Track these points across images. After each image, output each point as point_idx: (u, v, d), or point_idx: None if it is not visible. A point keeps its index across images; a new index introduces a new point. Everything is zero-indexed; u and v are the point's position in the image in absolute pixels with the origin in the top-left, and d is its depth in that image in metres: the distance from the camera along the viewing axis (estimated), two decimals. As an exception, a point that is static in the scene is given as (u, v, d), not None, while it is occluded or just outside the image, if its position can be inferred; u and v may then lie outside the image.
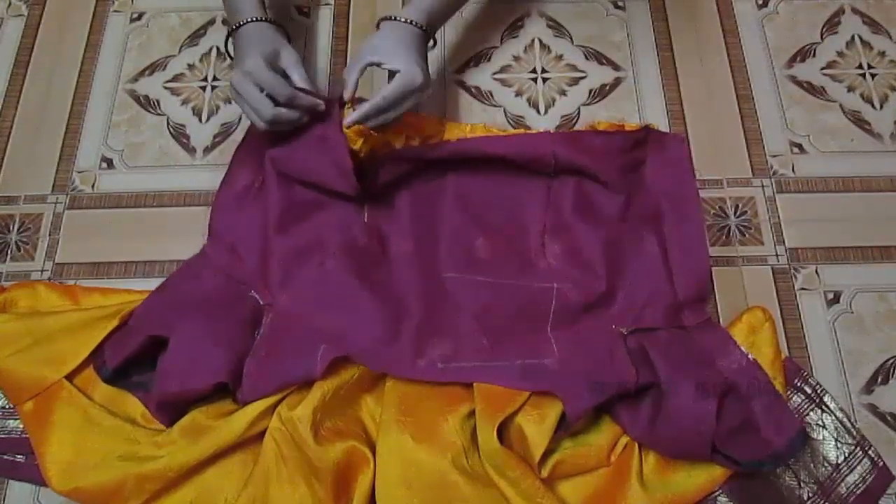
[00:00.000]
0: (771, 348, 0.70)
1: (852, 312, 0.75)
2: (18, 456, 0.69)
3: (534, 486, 0.62)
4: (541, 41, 0.91)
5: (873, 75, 0.88)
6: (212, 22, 0.93)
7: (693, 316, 0.72)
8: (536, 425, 0.64)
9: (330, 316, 0.70)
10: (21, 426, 0.69)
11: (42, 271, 0.78)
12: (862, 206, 0.80)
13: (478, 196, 0.79)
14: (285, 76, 0.72)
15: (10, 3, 0.95)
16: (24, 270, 0.78)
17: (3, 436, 0.69)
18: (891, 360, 0.73)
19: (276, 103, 0.69)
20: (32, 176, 0.83)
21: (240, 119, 0.86)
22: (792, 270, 0.77)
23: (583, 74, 0.89)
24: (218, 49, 0.91)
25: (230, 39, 0.76)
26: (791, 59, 0.89)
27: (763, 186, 0.82)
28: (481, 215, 0.78)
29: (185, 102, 0.88)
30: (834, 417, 0.69)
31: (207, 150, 0.85)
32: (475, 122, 0.85)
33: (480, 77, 0.89)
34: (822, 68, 0.89)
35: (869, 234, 0.79)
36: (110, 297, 0.75)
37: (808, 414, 0.70)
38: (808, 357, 0.73)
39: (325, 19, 0.93)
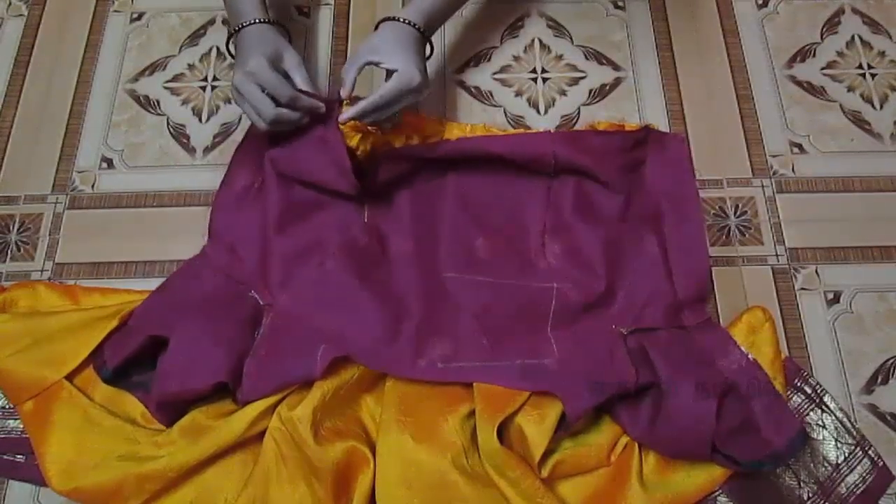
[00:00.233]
0: (771, 348, 0.70)
1: (852, 312, 0.75)
2: (18, 456, 0.69)
3: (534, 486, 0.62)
4: (541, 41, 0.91)
5: (873, 75, 0.88)
6: (212, 22, 0.93)
7: (693, 316, 0.72)
8: (536, 425, 0.64)
9: (330, 316, 0.70)
10: (21, 426, 0.69)
11: (42, 271, 0.78)
12: (862, 206, 0.80)
13: (478, 196, 0.79)
14: (287, 78, 0.72)
15: (10, 3, 0.95)
16: (24, 270, 0.78)
17: (3, 436, 0.69)
18: (891, 360, 0.73)
19: (278, 104, 0.69)
20: (32, 176, 0.83)
21: (240, 119, 0.86)
22: (792, 270, 0.77)
23: (583, 74, 0.89)
24: (218, 49, 0.91)
25: (232, 41, 0.76)
26: (791, 59, 0.90)
27: (763, 186, 0.82)
28: (481, 215, 0.78)
29: (185, 102, 0.88)
30: (834, 417, 0.69)
31: (207, 150, 0.85)
32: (475, 122, 0.85)
33: (480, 77, 0.89)
34: (822, 68, 0.89)
35: (869, 234, 0.79)
36: (110, 297, 0.75)
37: (808, 414, 0.70)
38: (808, 357, 0.73)
39: (325, 19, 0.93)
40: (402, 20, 0.72)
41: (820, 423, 0.69)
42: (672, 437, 0.64)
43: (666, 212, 0.77)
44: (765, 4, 0.94)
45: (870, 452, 0.68)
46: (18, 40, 0.92)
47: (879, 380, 0.72)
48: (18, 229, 0.81)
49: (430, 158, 0.78)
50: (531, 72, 0.89)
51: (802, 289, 0.76)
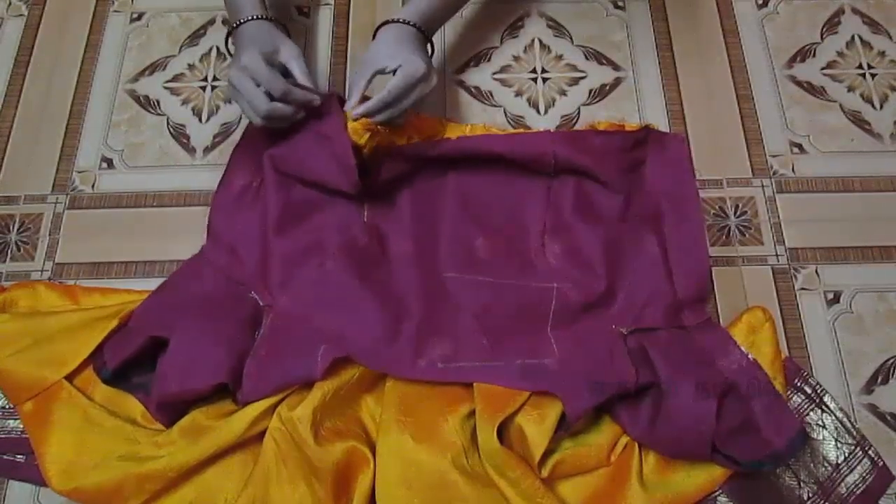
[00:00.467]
0: (771, 348, 0.70)
1: (852, 312, 0.75)
2: (18, 456, 0.69)
3: (534, 486, 0.62)
4: (541, 41, 0.91)
5: (873, 75, 0.88)
6: (212, 22, 0.93)
7: (693, 316, 0.72)
8: (536, 425, 0.64)
9: (330, 316, 0.70)
10: (21, 426, 0.69)
11: (42, 271, 0.78)
12: (862, 206, 0.80)
13: (478, 196, 0.79)
14: (285, 72, 0.72)
15: (10, 3, 0.95)
16: (24, 270, 0.78)
17: (3, 436, 0.69)
18: (891, 360, 0.73)
19: (272, 98, 0.69)
20: (32, 176, 0.83)
21: (239, 119, 0.86)
22: (792, 270, 0.77)
23: (583, 74, 0.89)
24: (218, 49, 0.91)
25: (230, 38, 0.76)
26: (791, 59, 0.90)
27: (763, 186, 0.82)
28: (481, 215, 0.78)
29: (185, 102, 0.88)
30: (834, 417, 0.69)
31: (207, 150, 0.85)
32: (475, 122, 0.85)
33: (480, 77, 0.89)
34: (822, 68, 0.89)
35: (869, 234, 0.79)
36: (110, 297, 0.75)
37: (808, 414, 0.70)
38: (808, 357, 0.73)
39: (325, 19, 0.93)
40: (399, 21, 0.73)
41: (820, 423, 0.69)
42: (672, 437, 0.64)
43: (666, 212, 0.77)
44: (765, 4, 0.93)
45: (870, 452, 0.68)
46: (18, 40, 0.92)
47: (879, 380, 0.72)
48: (18, 229, 0.81)
49: (430, 157, 0.78)
50: (531, 72, 0.89)
51: (802, 289, 0.76)
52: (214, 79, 0.89)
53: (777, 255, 0.78)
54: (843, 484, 0.67)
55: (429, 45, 0.76)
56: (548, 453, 0.65)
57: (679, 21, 0.92)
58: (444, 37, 0.91)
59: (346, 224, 0.76)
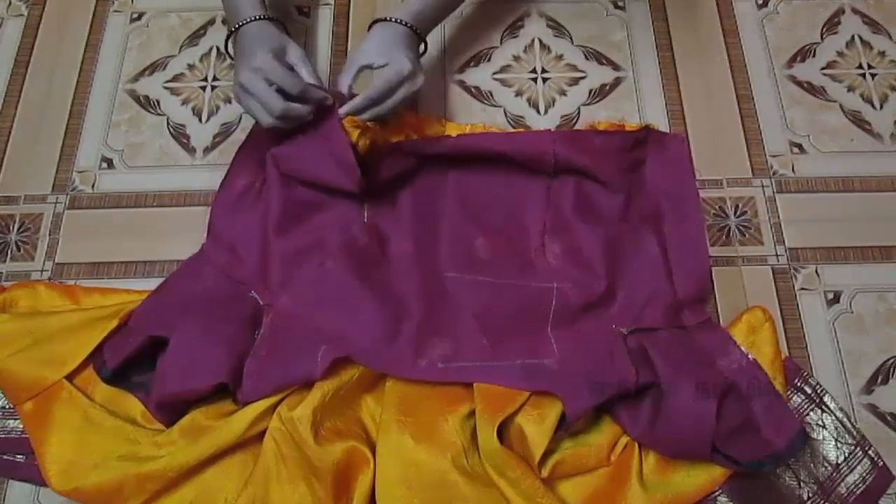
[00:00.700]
0: (771, 348, 0.70)
1: (852, 312, 0.75)
2: (18, 456, 0.69)
3: (534, 486, 0.62)
4: (541, 41, 0.91)
5: (873, 75, 0.88)
6: (212, 22, 0.93)
7: (693, 316, 0.72)
8: (536, 425, 0.64)
9: (330, 316, 0.70)
10: (21, 426, 0.69)
11: (42, 271, 0.78)
12: (862, 206, 0.80)
13: (478, 196, 0.79)
14: (292, 72, 0.72)
15: (10, 3, 0.95)
16: (24, 270, 0.78)
17: (3, 436, 0.69)
18: (891, 360, 0.73)
19: (286, 98, 0.69)
20: (32, 176, 0.83)
21: (240, 119, 0.86)
22: (792, 270, 0.77)
23: (583, 74, 0.89)
24: (218, 49, 0.91)
25: (230, 40, 0.76)
26: (791, 59, 0.90)
27: (763, 186, 0.82)
28: (481, 215, 0.78)
29: (185, 102, 0.88)
30: (834, 417, 0.69)
31: (207, 150, 0.85)
32: (475, 122, 0.85)
33: (480, 77, 0.89)
34: (822, 68, 0.89)
35: (869, 234, 0.79)
36: (110, 297, 0.75)
37: (808, 414, 0.70)
38: (808, 357, 0.73)
39: (325, 19, 0.93)
40: (392, 20, 0.73)
41: (820, 423, 0.69)
42: (672, 437, 0.64)
43: (666, 212, 0.77)
44: (765, 4, 0.94)
45: (870, 452, 0.68)
46: (18, 40, 0.92)
47: (879, 380, 0.72)
48: (18, 229, 0.81)
49: (430, 156, 0.78)
50: (531, 72, 0.89)
51: (802, 289, 0.76)
52: (214, 79, 0.89)
53: (777, 255, 0.78)
54: (843, 484, 0.67)
55: (422, 45, 0.77)
56: (548, 453, 0.65)
57: (679, 21, 0.92)
58: (444, 37, 0.91)
59: (347, 224, 0.76)
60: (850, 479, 0.67)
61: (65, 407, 0.67)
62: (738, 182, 0.82)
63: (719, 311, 0.75)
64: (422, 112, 0.85)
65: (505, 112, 0.87)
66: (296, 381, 0.66)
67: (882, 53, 0.90)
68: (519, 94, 0.88)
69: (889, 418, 0.70)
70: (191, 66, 0.90)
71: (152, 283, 0.74)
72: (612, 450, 0.67)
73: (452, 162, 0.79)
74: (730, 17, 0.92)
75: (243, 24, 0.73)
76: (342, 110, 0.71)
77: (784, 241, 0.79)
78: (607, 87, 0.88)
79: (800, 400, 0.70)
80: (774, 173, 0.82)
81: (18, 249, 0.79)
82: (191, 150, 0.85)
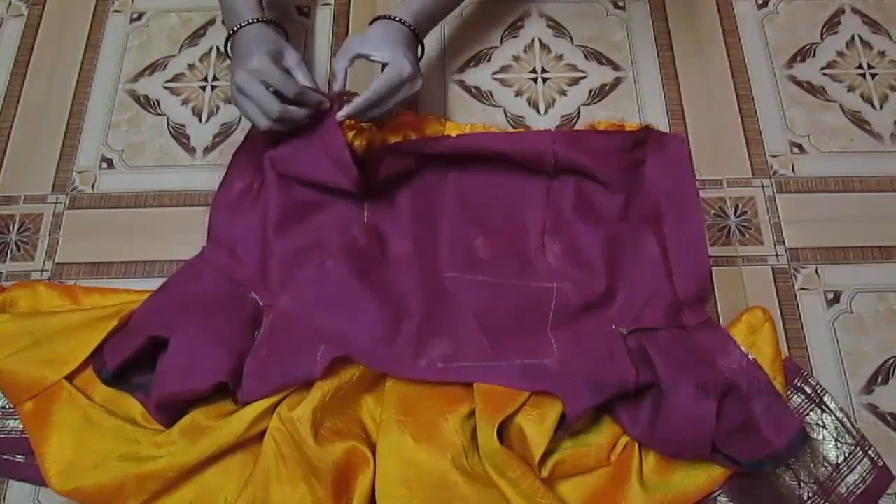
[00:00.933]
0: (771, 348, 0.70)
1: (852, 312, 0.75)
2: (18, 456, 0.69)
3: (534, 486, 0.62)
4: (541, 41, 0.91)
5: (873, 75, 0.88)
6: (212, 22, 0.93)
7: (693, 316, 0.72)
8: (536, 425, 0.64)
9: (330, 316, 0.70)
10: (21, 426, 0.69)
11: (42, 271, 0.78)
12: (862, 206, 0.80)
13: (478, 196, 0.79)
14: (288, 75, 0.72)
15: (10, 3, 0.95)
16: (24, 270, 0.78)
17: (3, 436, 0.69)
18: (891, 360, 0.73)
19: (283, 101, 0.69)
20: (32, 176, 0.83)
21: (240, 119, 0.86)
22: (792, 270, 0.77)
23: (583, 74, 0.89)
24: (218, 49, 0.91)
25: (229, 43, 0.76)
26: (791, 59, 0.90)
27: (763, 186, 0.82)
28: (481, 215, 0.78)
29: (185, 102, 0.88)
30: (834, 417, 0.69)
31: (207, 150, 0.85)
32: (475, 122, 0.85)
33: (480, 77, 0.89)
34: (822, 68, 0.89)
35: (869, 234, 0.79)
36: (110, 297, 0.75)
37: (808, 414, 0.70)
38: (808, 357, 0.73)
39: (325, 19, 0.93)
40: (393, 18, 0.73)
41: (820, 423, 0.69)
42: (672, 437, 0.64)
43: (666, 212, 0.77)
44: (765, 4, 0.94)
45: (870, 452, 0.68)
46: (18, 40, 0.92)
47: (879, 380, 0.72)
48: (18, 229, 0.81)
49: (430, 155, 0.78)
50: (531, 72, 0.89)
51: (802, 289, 0.76)
52: (214, 79, 0.89)
53: (777, 255, 0.78)
54: (843, 484, 0.67)
55: (420, 47, 0.77)
56: (548, 453, 0.64)
57: (679, 21, 0.92)
58: (444, 37, 0.91)
59: (346, 224, 0.76)
60: (850, 479, 0.67)
61: (65, 407, 0.67)
62: (738, 182, 0.82)
63: (719, 311, 0.75)
64: (421, 112, 0.85)
65: (505, 112, 0.87)
66: (296, 381, 0.66)
67: (882, 53, 0.90)
68: (519, 94, 0.88)
69: (889, 418, 0.70)
70: (191, 66, 0.90)
71: (152, 284, 0.74)
72: (612, 450, 0.67)
73: (452, 162, 0.79)
74: (730, 17, 0.92)
75: (241, 27, 0.73)
76: (343, 112, 0.71)
77: (784, 241, 0.79)
78: (607, 87, 0.88)
79: (800, 400, 0.70)
80: (774, 173, 0.82)
81: (18, 249, 0.79)
82: (191, 150, 0.85)
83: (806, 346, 0.73)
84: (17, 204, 0.82)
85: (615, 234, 0.76)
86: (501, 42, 0.92)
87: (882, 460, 0.68)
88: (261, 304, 0.73)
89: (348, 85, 0.74)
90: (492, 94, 0.88)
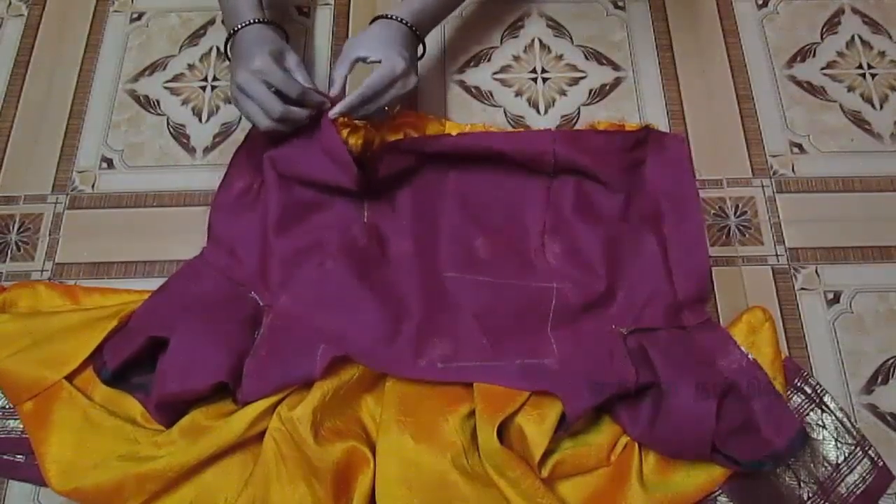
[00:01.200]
0: (771, 348, 0.70)
1: (852, 312, 0.75)
2: (18, 456, 0.69)
3: (534, 486, 0.62)
4: (541, 41, 0.91)
5: (873, 75, 0.88)
6: (212, 22, 0.93)
7: (693, 316, 0.72)
8: (536, 425, 0.64)
9: (330, 316, 0.70)
10: (21, 426, 0.69)
11: (42, 271, 0.78)
12: (862, 206, 0.80)
13: (478, 196, 0.79)
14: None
15: (10, 3, 0.95)
16: (24, 270, 0.78)
17: (3, 436, 0.69)
18: (891, 360, 0.73)
19: (285, 101, 0.69)
20: (32, 176, 0.83)
21: (240, 119, 0.86)
22: (792, 270, 0.77)
23: (583, 74, 0.89)
24: (218, 49, 0.91)
25: (229, 44, 0.76)
26: (791, 59, 0.90)
27: (763, 186, 0.82)
28: (481, 215, 0.78)
29: (185, 102, 0.88)
30: (834, 417, 0.69)
31: (207, 150, 0.85)
32: (475, 121, 0.85)
33: (480, 77, 0.89)
34: (822, 68, 0.89)
35: (869, 234, 0.79)
36: (110, 297, 0.75)
37: (808, 414, 0.70)
38: (808, 357, 0.73)
39: (325, 19, 0.93)
40: (392, 17, 0.73)
41: (820, 423, 0.69)
42: (672, 437, 0.64)
43: (666, 212, 0.77)
44: (765, 4, 0.94)
45: (870, 452, 0.68)
46: (18, 40, 0.92)
47: (879, 380, 0.72)
48: (18, 229, 0.81)
49: (430, 155, 0.78)
50: (531, 72, 0.89)
51: (802, 289, 0.76)
52: (214, 79, 0.89)
53: (777, 255, 0.78)
54: (843, 484, 0.67)
55: (421, 48, 0.77)
56: (548, 453, 0.64)
57: (679, 21, 0.92)
58: (444, 37, 0.91)
59: (347, 224, 0.76)
60: (850, 479, 0.67)
61: (65, 407, 0.67)
62: (738, 182, 0.82)
63: (719, 311, 0.75)
64: (421, 112, 0.85)
65: (505, 112, 0.87)
66: (295, 380, 0.66)
67: (882, 53, 0.90)
68: (519, 94, 0.88)
69: (889, 418, 0.70)
70: (191, 66, 0.90)
71: (152, 284, 0.74)
72: (612, 450, 0.67)
73: (452, 162, 0.79)
74: (730, 17, 0.92)
75: (242, 27, 0.73)
76: (335, 109, 0.71)
77: (784, 241, 0.79)
78: (607, 87, 0.88)
79: (800, 400, 0.70)
80: (774, 173, 0.82)
81: (18, 249, 0.79)
82: (191, 150, 0.85)
83: (806, 346, 0.73)
84: (17, 204, 0.82)
85: (615, 234, 0.76)
86: (501, 42, 0.92)
87: (882, 460, 0.68)
88: (261, 304, 0.73)
89: (348, 88, 0.74)
90: (492, 94, 0.88)
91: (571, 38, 0.92)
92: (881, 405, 0.71)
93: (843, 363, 0.73)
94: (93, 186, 0.83)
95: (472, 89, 0.88)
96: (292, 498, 0.62)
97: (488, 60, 0.90)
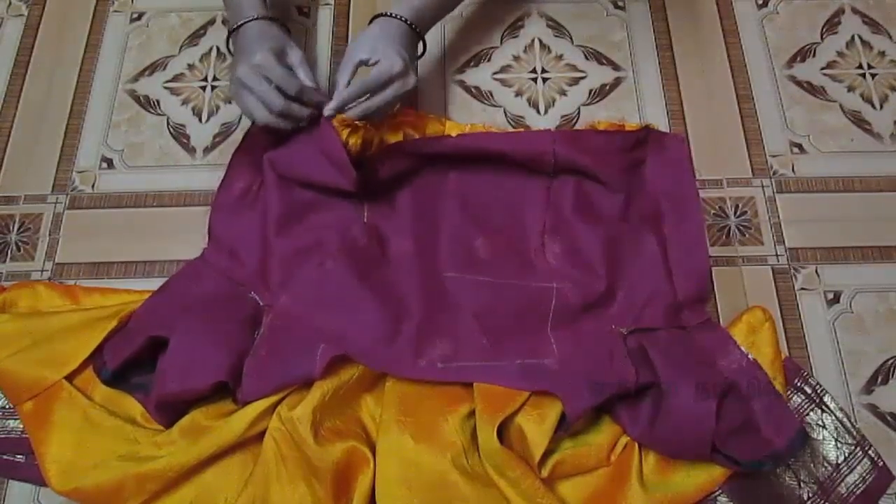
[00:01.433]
0: (771, 348, 0.70)
1: (852, 312, 0.75)
2: (18, 456, 0.69)
3: (534, 486, 0.62)
4: (541, 41, 0.91)
5: (873, 75, 0.88)
6: (212, 22, 0.93)
7: (693, 316, 0.72)
8: (536, 425, 0.64)
9: (330, 316, 0.70)
10: (21, 426, 0.69)
11: (42, 271, 0.78)
12: (862, 206, 0.80)
13: (478, 196, 0.79)
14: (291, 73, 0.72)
15: (10, 3, 0.95)
16: (24, 270, 0.78)
17: (3, 436, 0.69)
18: (891, 360, 0.73)
19: (285, 97, 0.69)
20: (32, 176, 0.83)
21: (240, 119, 0.86)
22: (792, 270, 0.77)
23: (583, 74, 0.89)
24: (218, 49, 0.91)
25: (231, 39, 0.76)
26: (791, 59, 0.90)
27: (763, 186, 0.82)
28: (481, 215, 0.78)
29: (185, 102, 0.88)
30: (834, 417, 0.69)
31: (207, 150, 0.85)
32: (475, 122, 0.85)
33: (480, 77, 0.89)
34: (822, 68, 0.89)
35: (869, 234, 0.79)
36: (110, 297, 0.75)
37: (808, 414, 0.70)
38: (808, 357, 0.73)
39: (325, 19, 0.93)
40: (392, 15, 0.73)
41: (820, 423, 0.69)
42: (672, 437, 0.64)
43: (666, 212, 0.77)
44: (765, 4, 0.94)
45: (870, 452, 0.68)
46: (18, 40, 0.92)
47: (879, 380, 0.72)
48: (18, 229, 0.81)
49: (430, 154, 0.78)
50: (531, 72, 0.89)
51: (802, 289, 0.76)
52: (214, 79, 0.89)
53: (777, 255, 0.78)
54: (843, 484, 0.67)
55: (421, 47, 0.77)
56: (548, 453, 0.64)
57: (679, 21, 0.92)
58: (444, 37, 0.91)
59: (347, 224, 0.76)
60: (850, 479, 0.67)
61: (65, 407, 0.67)
62: (738, 182, 0.82)
63: (719, 311, 0.75)
64: (421, 112, 0.85)
65: (505, 112, 0.87)
66: (295, 380, 0.66)
67: (882, 53, 0.90)
68: (519, 94, 0.88)
69: (889, 418, 0.70)
70: (191, 66, 0.90)
71: (152, 284, 0.74)
72: (612, 450, 0.67)
73: (452, 162, 0.79)
74: (730, 17, 0.92)
75: (244, 23, 0.73)
76: (330, 105, 0.71)
77: (784, 241, 0.79)
78: (607, 87, 0.88)
79: (800, 400, 0.70)
80: (774, 173, 0.82)
81: (18, 249, 0.79)
82: (191, 150, 0.85)
83: (806, 346, 0.73)
84: (17, 204, 0.82)
85: (615, 234, 0.76)
86: (501, 42, 0.92)
87: (882, 460, 0.68)
88: (261, 304, 0.73)
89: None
90: (492, 94, 0.88)
91: (571, 38, 0.92)
92: (881, 405, 0.71)
93: (843, 363, 0.73)
94: (93, 186, 0.83)
95: (472, 89, 0.88)
96: (292, 498, 0.62)
97: (488, 60, 0.90)
